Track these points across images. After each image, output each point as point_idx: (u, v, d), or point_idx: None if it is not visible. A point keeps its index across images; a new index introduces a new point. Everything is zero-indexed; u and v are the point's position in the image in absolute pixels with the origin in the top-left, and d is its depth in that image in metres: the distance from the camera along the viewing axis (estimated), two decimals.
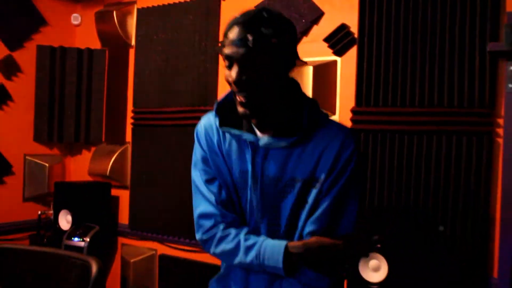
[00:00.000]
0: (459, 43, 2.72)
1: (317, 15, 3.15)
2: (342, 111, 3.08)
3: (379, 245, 2.46)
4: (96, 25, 4.18)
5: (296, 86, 1.57)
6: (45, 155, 4.19)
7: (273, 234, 1.53)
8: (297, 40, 1.46)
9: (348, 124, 2.99)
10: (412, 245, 2.51)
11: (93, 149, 4.25)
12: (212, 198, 1.58)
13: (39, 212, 3.99)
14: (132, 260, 3.98)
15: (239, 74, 1.40)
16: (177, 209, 3.70)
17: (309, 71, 3.06)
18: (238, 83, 1.41)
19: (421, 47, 2.81)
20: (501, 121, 2.65)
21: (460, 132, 2.71)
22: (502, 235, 2.63)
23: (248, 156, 1.53)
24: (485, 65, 2.66)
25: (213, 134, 1.60)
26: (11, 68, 3.93)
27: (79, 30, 4.37)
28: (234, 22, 1.40)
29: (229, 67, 1.42)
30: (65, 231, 3.69)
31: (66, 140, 4.20)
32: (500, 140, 2.66)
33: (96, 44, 4.21)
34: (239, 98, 1.44)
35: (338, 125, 1.56)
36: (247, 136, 1.52)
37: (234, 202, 1.59)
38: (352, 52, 3.06)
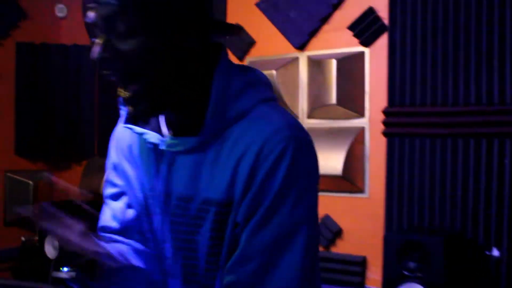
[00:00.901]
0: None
1: None
2: (373, 113, 3.15)
3: (419, 274, 2.48)
4: (84, 17, 4.21)
5: (220, 59, 1.23)
6: (29, 171, 4.22)
7: (191, 275, 1.25)
8: None
9: (380, 127, 3.05)
10: (460, 274, 2.53)
11: (84, 163, 4.31)
12: (111, 224, 1.36)
13: (23, 239, 4.01)
14: None
15: (102, 48, 1.13)
16: None
17: (332, 66, 3.13)
18: (101, 62, 1.14)
19: (465, 33, 2.84)
20: None
21: None
22: None
23: (152, 165, 1.27)
24: None
25: (127, 135, 1.35)
26: None
27: (65, 24, 4.41)
28: None
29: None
30: (52, 260, 3.68)
31: (53, 153, 4.26)
32: None
33: (84, 39, 4.21)
34: (118, 91, 1.17)
35: (273, 113, 1.19)
36: (150, 137, 1.25)
37: (143, 228, 1.32)
38: (383, 42, 3.11)
